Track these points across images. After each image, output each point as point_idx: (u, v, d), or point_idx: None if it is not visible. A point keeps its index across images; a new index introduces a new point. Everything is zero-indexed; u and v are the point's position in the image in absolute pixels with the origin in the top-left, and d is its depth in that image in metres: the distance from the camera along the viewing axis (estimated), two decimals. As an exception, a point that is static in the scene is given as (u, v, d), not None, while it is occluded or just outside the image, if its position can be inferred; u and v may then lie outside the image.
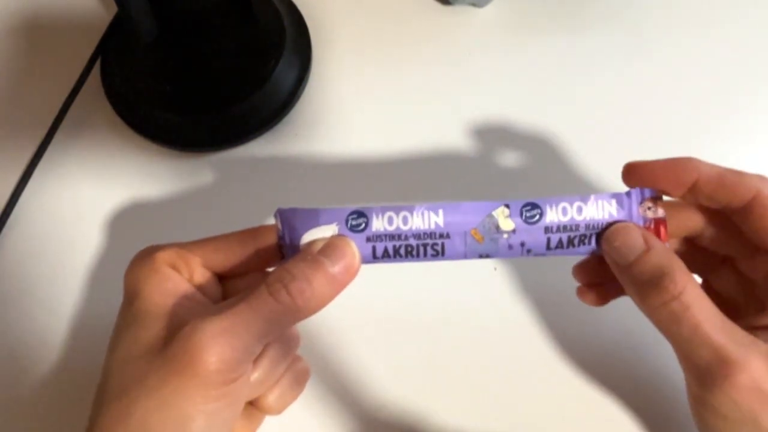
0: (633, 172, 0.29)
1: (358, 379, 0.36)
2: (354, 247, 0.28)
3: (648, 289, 0.27)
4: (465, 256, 0.28)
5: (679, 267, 0.27)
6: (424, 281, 0.38)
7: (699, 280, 0.32)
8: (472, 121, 0.42)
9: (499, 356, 0.36)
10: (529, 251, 0.28)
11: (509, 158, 0.41)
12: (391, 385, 0.36)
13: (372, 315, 0.37)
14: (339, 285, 0.27)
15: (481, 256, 0.28)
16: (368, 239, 0.28)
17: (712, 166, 0.28)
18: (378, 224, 0.28)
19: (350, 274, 0.27)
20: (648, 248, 0.28)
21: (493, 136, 0.41)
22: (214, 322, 0.25)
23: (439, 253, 0.28)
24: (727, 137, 0.41)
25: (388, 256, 0.28)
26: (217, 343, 0.25)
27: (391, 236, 0.28)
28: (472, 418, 0.35)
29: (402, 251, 0.28)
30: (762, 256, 0.29)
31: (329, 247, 0.27)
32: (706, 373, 0.26)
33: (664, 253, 0.28)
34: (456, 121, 0.42)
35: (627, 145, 0.41)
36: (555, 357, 0.36)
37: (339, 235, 0.28)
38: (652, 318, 0.28)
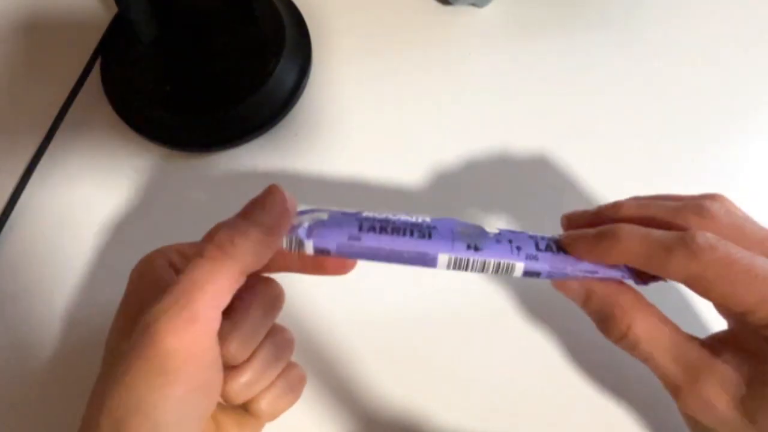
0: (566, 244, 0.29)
1: (357, 379, 0.36)
2: (286, 193, 0.27)
3: (601, 328, 0.29)
4: (452, 243, 0.28)
5: (624, 306, 0.28)
6: (424, 281, 0.38)
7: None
8: (472, 121, 0.42)
9: (500, 356, 0.36)
10: (519, 249, 0.28)
11: (508, 156, 0.41)
12: (391, 385, 0.36)
13: (372, 315, 0.37)
14: (273, 232, 0.27)
15: (469, 247, 0.28)
16: (357, 219, 0.28)
17: (641, 245, 0.27)
18: (368, 213, 0.29)
19: (284, 220, 0.27)
20: (588, 296, 0.29)
21: (493, 135, 0.41)
22: (161, 302, 0.25)
23: (425, 236, 0.28)
24: (733, 138, 0.41)
25: (374, 230, 0.28)
26: (165, 322, 0.25)
27: (379, 220, 0.28)
28: (472, 419, 0.35)
29: (388, 229, 0.28)
30: None
31: (260, 196, 0.27)
32: (670, 391, 0.28)
33: (605, 297, 0.28)
34: (456, 121, 0.42)
35: (629, 144, 0.41)
36: (555, 356, 0.36)
37: (272, 185, 0.27)
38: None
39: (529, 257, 0.28)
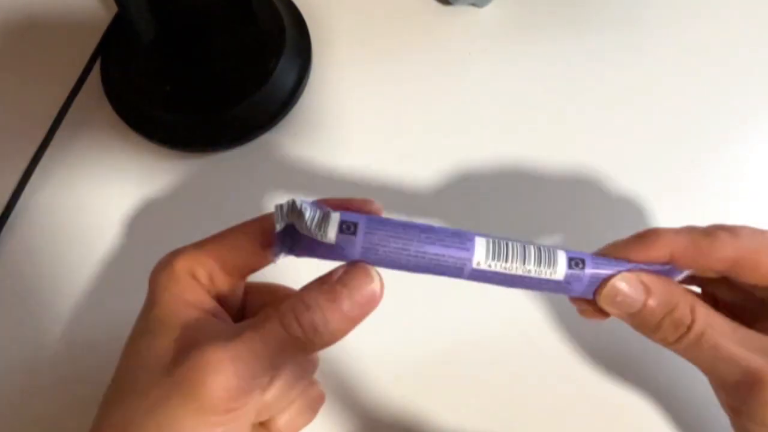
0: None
1: (358, 379, 0.36)
2: (376, 276, 0.25)
3: (662, 329, 0.28)
4: (488, 234, 0.26)
5: (683, 298, 0.27)
6: (424, 282, 0.38)
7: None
8: (471, 121, 0.42)
9: (499, 356, 0.36)
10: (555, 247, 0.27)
11: (507, 156, 0.41)
12: (391, 385, 0.36)
13: (373, 315, 0.37)
14: (356, 319, 0.25)
15: (506, 239, 0.26)
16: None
17: (681, 235, 0.27)
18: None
19: (370, 306, 0.25)
20: (648, 291, 0.27)
21: (492, 135, 0.41)
22: (222, 349, 0.24)
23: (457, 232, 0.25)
24: (737, 140, 0.41)
25: (400, 224, 0.25)
26: (222, 372, 0.24)
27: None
28: (473, 419, 0.35)
29: (410, 224, 0.25)
30: None
31: (349, 275, 0.25)
32: (738, 388, 0.27)
33: (665, 288, 0.28)
34: (456, 121, 0.42)
35: (630, 144, 0.41)
36: (555, 356, 0.36)
37: (360, 263, 0.25)
38: (673, 350, 0.28)
39: (568, 249, 0.26)
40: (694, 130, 0.41)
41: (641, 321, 0.28)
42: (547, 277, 0.26)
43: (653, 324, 0.28)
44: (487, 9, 0.45)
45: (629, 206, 0.39)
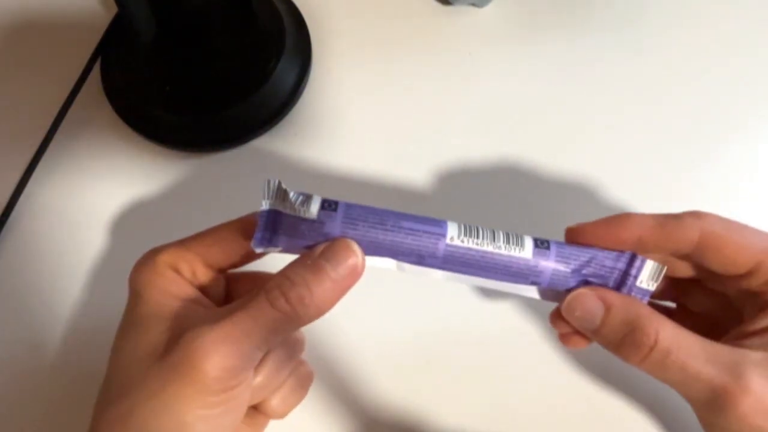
0: (574, 237, 0.29)
1: (358, 379, 0.36)
2: (357, 249, 0.26)
3: (624, 347, 0.28)
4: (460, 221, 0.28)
5: (645, 314, 0.27)
6: (423, 283, 0.38)
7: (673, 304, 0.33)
8: (471, 121, 0.42)
9: (500, 357, 0.36)
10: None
11: (506, 157, 0.41)
12: (391, 385, 0.36)
13: (372, 314, 0.37)
14: (340, 290, 0.26)
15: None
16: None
17: (650, 217, 0.28)
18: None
19: (353, 278, 0.26)
20: (608, 308, 0.28)
21: (492, 135, 0.41)
22: (214, 330, 0.25)
23: (429, 220, 0.27)
24: (738, 141, 0.41)
25: (374, 211, 0.27)
26: (216, 352, 0.25)
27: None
28: (472, 419, 0.35)
29: (383, 210, 0.27)
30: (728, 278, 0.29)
31: (331, 249, 0.26)
32: (708, 405, 0.26)
33: (626, 307, 0.28)
34: (456, 121, 0.42)
35: (629, 146, 0.41)
36: (555, 357, 0.36)
37: (341, 238, 0.27)
38: (641, 369, 0.28)
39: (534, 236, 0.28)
40: (695, 132, 0.41)
41: (602, 338, 0.28)
42: (516, 254, 0.27)
43: (615, 342, 0.28)
44: (487, 9, 0.45)
45: (628, 208, 0.39)
